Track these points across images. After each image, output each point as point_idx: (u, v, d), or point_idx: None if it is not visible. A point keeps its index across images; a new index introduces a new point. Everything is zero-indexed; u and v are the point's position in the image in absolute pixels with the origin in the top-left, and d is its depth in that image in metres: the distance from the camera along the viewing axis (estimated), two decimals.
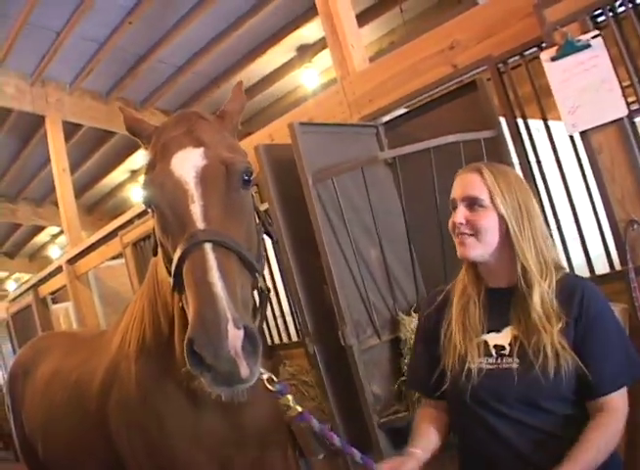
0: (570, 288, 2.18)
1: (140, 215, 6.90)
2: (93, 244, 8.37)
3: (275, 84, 11.20)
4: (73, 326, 9.55)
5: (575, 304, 2.13)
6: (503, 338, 2.22)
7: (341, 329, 3.67)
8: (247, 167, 2.12)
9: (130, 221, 7.24)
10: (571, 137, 3.57)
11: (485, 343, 2.24)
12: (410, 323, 3.83)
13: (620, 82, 3.33)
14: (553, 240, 2.39)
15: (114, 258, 8.15)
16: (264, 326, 5.22)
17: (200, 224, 1.92)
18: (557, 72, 3.48)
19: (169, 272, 2.04)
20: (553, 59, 3.48)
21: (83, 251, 8.64)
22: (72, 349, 3.64)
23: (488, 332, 2.26)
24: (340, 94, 4.97)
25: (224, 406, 2.38)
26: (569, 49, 3.42)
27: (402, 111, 4.66)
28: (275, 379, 2.16)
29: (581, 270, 3.62)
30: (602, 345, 2.11)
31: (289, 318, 5.22)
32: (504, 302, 2.25)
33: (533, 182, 3.76)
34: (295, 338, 5.22)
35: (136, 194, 14.18)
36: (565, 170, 3.71)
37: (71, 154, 10.54)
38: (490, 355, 2.22)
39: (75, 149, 11.51)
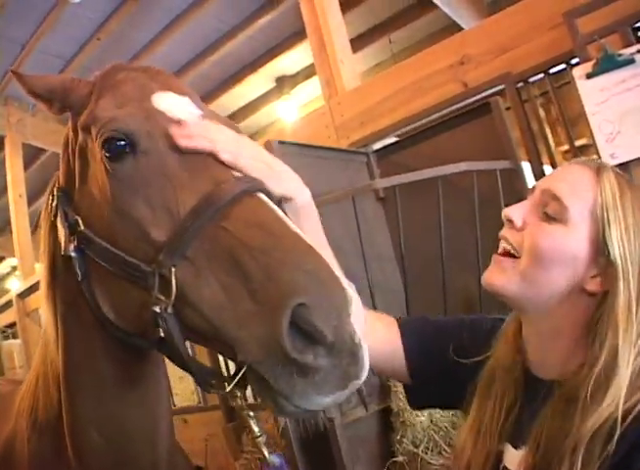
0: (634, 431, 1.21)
1: None
2: None
3: (251, 116, 10.92)
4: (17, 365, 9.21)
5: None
6: (517, 462, 1.41)
7: None
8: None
9: None
10: None
11: (498, 455, 1.47)
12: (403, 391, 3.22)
13: None
14: None
15: None
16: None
17: (234, 172, 1.35)
18: (593, 92, 3.06)
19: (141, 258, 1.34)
20: (588, 76, 3.06)
21: (35, 285, 8.04)
22: None
23: (507, 441, 1.47)
24: (326, 116, 4.51)
25: None
26: (607, 64, 3.03)
27: (398, 137, 4.23)
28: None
29: None
30: None
31: None
32: (540, 402, 1.39)
33: None
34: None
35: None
36: None
37: (31, 181, 10.12)
38: None
39: (36, 176, 11.02)
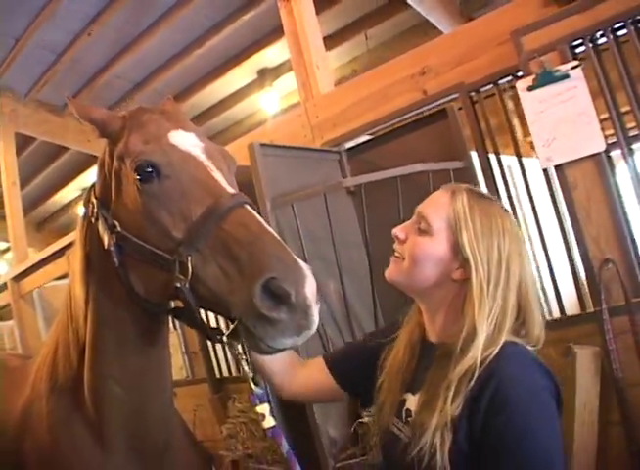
0: (489, 373, 1.74)
1: None
2: (40, 262, 8.02)
3: (234, 107, 10.99)
4: (17, 346, 9.23)
5: (485, 398, 1.71)
6: (415, 403, 1.94)
7: None
8: (234, 160, 2.17)
9: None
10: (545, 171, 3.42)
11: (402, 402, 2.00)
12: None
13: (599, 116, 3.21)
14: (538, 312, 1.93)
15: (60, 277, 7.84)
16: (212, 357, 5.00)
17: (230, 189, 1.91)
18: (533, 103, 3.35)
19: (159, 254, 1.92)
20: (529, 88, 3.36)
21: (29, 268, 8.27)
22: None
23: (408, 391, 2.00)
24: (302, 117, 4.79)
25: (138, 456, 2.33)
26: (546, 79, 3.31)
27: (367, 137, 4.50)
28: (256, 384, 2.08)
29: (552, 310, 3.49)
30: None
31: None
32: (432, 358, 1.92)
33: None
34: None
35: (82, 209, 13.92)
36: (537, 206, 3.56)
37: (22, 168, 10.14)
38: (401, 418, 1.99)
39: (26, 163, 11.14)
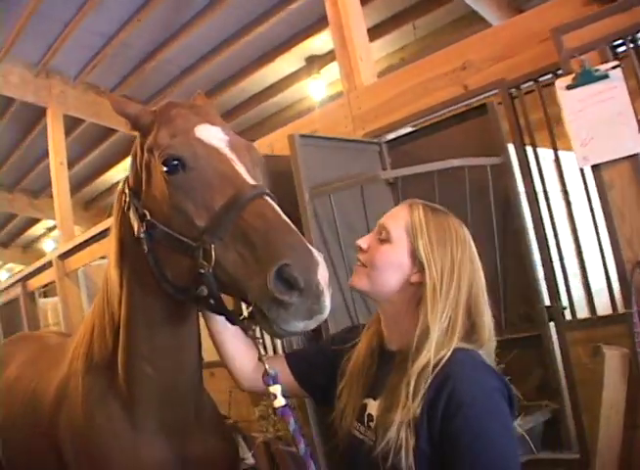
0: (443, 377, 1.85)
1: None
2: (86, 241, 8.17)
3: (281, 93, 11.07)
4: (61, 322, 9.40)
5: (441, 402, 1.80)
6: (376, 408, 2.04)
7: None
8: (259, 153, 2.24)
9: None
10: (582, 170, 3.43)
11: (363, 407, 2.10)
12: None
13: (637, 116, 3.19)
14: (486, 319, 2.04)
15: (104, 257, 7.96)
16: None
17: (251, 180, 1.99)
18: (572, 102, 3.34)
19: (181, 243, 2.02)
20: (568, 87, 3.34)
21: (75, 247, 8.43)
22: (35, 357, 3.60)
23: (369, 396, 2.10)
24: (345, 107, 4.84)
25: (167, 433, 2.44)
26: (586, 78, 3.29)
27: (407, 129, 4.53)
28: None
29: (582, 309, 3.49)
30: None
31: None
32: (392, 365, 2.03)
33: (538, 213, 3.62)
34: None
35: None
36: (572, 204, 3.57)
37: (71, 148, 10.42)
38: (362, 423, 2.08)
39: (75, 143, 11.40)
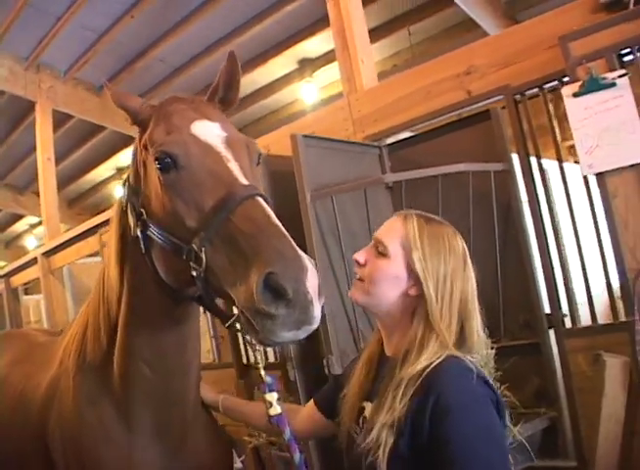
0: (432, 382, 1.88)
1: None
2: (71, 239, 8.09)
3: (273, 95, 11.04)
4: (43, 320, 9.33)
5: (429, 406, 1.82)
6: (369, 410, 2.08)
7: (326, 357, 3.49)
8: (260, 149, 2.18)
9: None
10: (585, 178, 3.43)
11: (361, 410, 2.12)
12: None
13: None
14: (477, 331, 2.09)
15: (90, 255, 7.92)
16: (240, 343, 5.04)
17: (243, 180, 1.92)
18: (578, 109, 3.35)
19: (176, 243, 1.98)
20: (575, 95, 3.35)
21: (60, 245, 8.34)
22: (23, 356, 3.48)
23: (367, 400, 2.12)
24: (345, 110, 4.81)
25: (162, 436, 2.40)
26: (592, 86, 3.30)
27: (408, 134, 4.51)
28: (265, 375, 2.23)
29: (584, 317, 3.49)
30: None
31: None
32: (387, 371, 2.06)
33: (540, 220, 3.62)
34: (272, 359, 4.98)
35: (120, 192, 13.94)
36: (575, 212, 3.56)
37: (58, 144, 10.26)
38: (358, 424, 2.11)
39: (63, 139, 11.26)
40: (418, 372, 1.89)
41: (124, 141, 11.30)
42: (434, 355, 1.92)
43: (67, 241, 8.16)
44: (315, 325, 1.71)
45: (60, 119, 10.54)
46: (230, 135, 2.07)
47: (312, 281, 1.68)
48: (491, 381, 1.96)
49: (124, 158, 12.61)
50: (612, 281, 3.41)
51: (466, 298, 2.04)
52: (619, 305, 3.35)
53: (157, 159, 1.98)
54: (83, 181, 14.44)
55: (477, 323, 2.06)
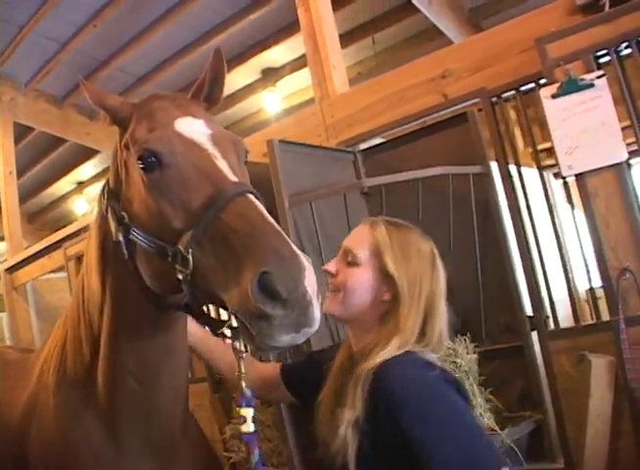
0: (381, 376, 1.94)
1: (87, 229, 6.53)
2: (35, 254, 7.93)
3: (236, 105, 10.93)
4: (5, 338, 9.12)
5: (382, 400, 1.89)
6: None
7: None
8: (246, 147, 2.09)
9: (76, 234, 6.78)
10: (564, 178, 3.43)
11: (335, 414, 2.10)
12: None
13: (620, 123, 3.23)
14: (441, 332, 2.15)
15: (53, 271, 7.77)
16: None
17: (232, 177, 1.82)
18: (556, 111, 3.36)
19: (162, 245, 1.87)
20: (553, 96, 3.36)
21: (23, 260, 8.18)
22: None
23: (339, 404, 2.10)
24: (317, 116, 4.77)
25: (151, 452, 2.29)
26: (571, 87, 3.31)
27: (382, 139, 4.49)
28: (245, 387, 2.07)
29: (567, 319, 3.49)
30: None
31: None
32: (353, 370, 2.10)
33: (520, 221, 3.61)
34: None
35: (81, 206, 13.83)
36: (555, 213, 3.57)
37: (19, 158, 10.03)
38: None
39: (23, 153, 11.01)
40: (372, 367, 1.93)
41: (86, 154, 11.15)
42: (394, 352, 1.97)
43: (30, 256, 8.00)
44: (315, 328, 1.63)
45: (20, 132, 10.33)
46: (216, 132, 2.00)
47: (311, 279, 1.60)
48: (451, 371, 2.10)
49: (86, 171, 12.47)
50: (592, 282, 3.42)
51: (432, 298, 2.09)
52: (602, 305, 3.36)
53: (140, 158, 1.88)
54: (44, 195, 14.16)
55: (440, 322, 2.11)
